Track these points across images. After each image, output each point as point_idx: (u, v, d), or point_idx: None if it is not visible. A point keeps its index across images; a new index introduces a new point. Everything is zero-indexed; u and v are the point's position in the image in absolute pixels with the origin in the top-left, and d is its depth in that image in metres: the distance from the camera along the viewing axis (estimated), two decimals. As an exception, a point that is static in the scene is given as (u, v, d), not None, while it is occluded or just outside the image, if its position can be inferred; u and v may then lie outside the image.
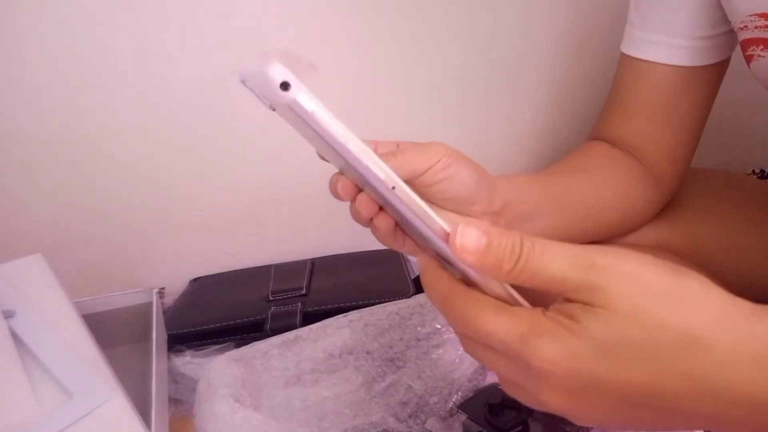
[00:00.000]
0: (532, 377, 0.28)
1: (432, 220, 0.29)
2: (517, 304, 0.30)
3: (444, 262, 0.32)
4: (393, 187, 0.29)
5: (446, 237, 0.29)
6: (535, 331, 0.27)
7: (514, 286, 0.30)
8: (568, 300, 0.28)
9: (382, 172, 0.29)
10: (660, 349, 0.26)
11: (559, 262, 0.27)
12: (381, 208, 0.37)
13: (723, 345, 0.26)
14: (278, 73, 0.26)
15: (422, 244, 0.34)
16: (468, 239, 0.28)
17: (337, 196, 0.38)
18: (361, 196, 0.37)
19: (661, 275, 0.27)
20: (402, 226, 0.38)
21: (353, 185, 0.37)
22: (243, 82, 0.29)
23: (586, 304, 0.27)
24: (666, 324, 0.26)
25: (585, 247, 0.28)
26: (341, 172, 0.38)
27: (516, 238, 0.28)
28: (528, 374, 0.28)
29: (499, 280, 0.29)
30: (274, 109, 0.29)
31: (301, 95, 0.27)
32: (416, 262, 0.81)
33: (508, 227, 0.45)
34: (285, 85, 0.26)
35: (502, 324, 0.28)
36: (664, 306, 0.26)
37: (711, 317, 0.26)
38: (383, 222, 0.38)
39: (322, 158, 0.37)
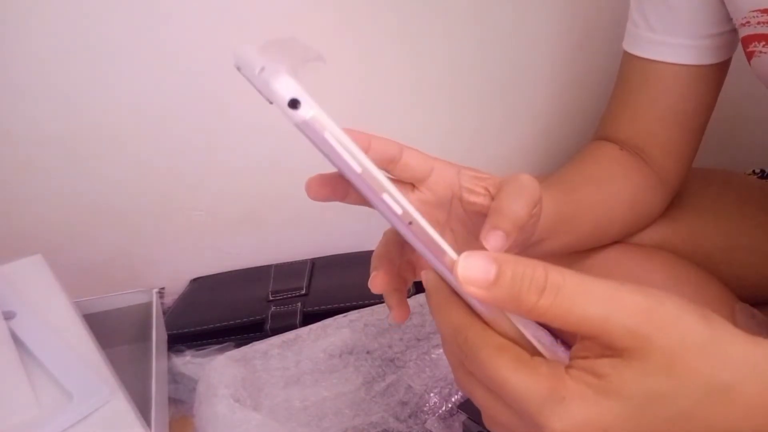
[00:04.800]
0: None
1: (445, 254, 0.26)
2: (529, 346, 0.27)
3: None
4: (410, 223, 0.26)
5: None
6: (558, 393, 0.24)
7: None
8: (599, 346, 0.25)
9: (398, 207, 0.25)
10: (691, 403, 0.24)
11: (599, 301, 0.24)
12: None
13: (751, 392, 0.24)
14: (286, 88, 0.22)
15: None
16: (472, 270, 0.25)
17: (374, 288, 0.36)
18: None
19: (696, 321, 0.25)
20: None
21: (388, 282, 0.36)
22: (238, 68, 0.25)
23: (619, 356, 0.24)
24: (699, 375, 0.24)
25: (623, 286, 0.25)
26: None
27: (538, 267, 0.25)
28: None
29: (520, 315, 0.26)
30: (271, 102, 0.26)
31: (313, 116, 0.23)
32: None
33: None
34: (294, 103, 0.22)
35: (521, 380, 0.25)
36: (699, 356, 0.24)
37: (739, 365, 0.25)
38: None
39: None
